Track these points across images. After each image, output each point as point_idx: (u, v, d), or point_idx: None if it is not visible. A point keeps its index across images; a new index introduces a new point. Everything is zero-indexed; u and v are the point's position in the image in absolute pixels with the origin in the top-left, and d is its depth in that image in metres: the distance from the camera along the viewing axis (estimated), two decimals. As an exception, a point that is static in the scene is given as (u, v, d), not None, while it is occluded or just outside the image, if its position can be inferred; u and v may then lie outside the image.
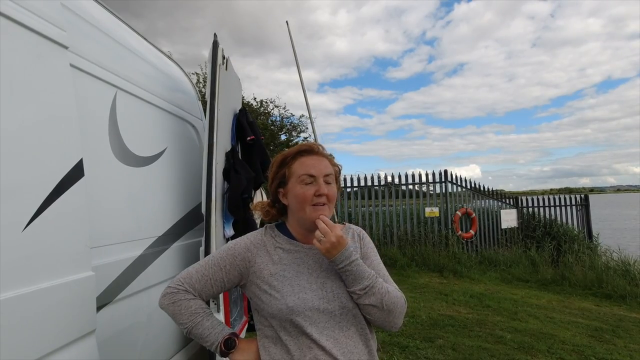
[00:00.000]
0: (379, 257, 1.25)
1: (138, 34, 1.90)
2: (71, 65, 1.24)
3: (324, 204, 1.10)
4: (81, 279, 1.16)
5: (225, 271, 1.11)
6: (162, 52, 2.16)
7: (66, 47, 1.20)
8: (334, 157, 1.20)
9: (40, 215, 1.03)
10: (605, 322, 4.55)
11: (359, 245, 1.22)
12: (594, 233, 8.90)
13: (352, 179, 9.02)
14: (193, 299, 1.10)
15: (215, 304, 1.80)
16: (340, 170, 1.21)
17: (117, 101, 1.53)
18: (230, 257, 1.11)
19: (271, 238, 1.15)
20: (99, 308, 1.26)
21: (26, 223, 1.00)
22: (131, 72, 1.66)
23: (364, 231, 1.28)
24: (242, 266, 1.11)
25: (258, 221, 2.18)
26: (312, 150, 1.16)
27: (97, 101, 1.43)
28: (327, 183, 1.12)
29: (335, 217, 4.26)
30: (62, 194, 1.11)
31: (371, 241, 1.27)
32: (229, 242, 1.15)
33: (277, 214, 1.21)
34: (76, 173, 1.17)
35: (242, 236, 1.18)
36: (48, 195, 1.07)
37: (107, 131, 1.46)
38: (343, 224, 1.28)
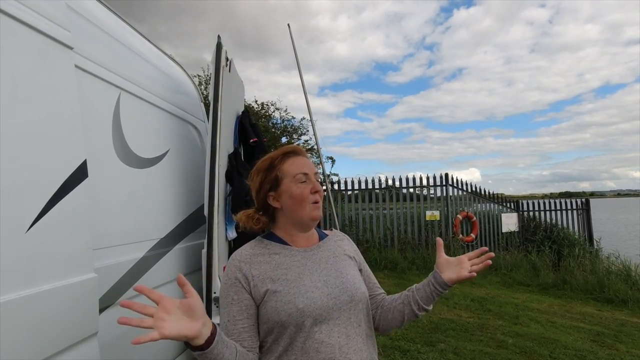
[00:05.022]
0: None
1: (142, 35, 1.90)
2: (76, 66, 1.24)
3: (319, 202, 1.11)
4: (84, 281, 1.15)
5: (237, 302, 1.04)
6: (165, 54, 2.16)
7: (71, 48, 1.20)
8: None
9: (43, 217, 1.03)
10: (607, 327, 4.53)
11: (354, 248, 1.25)
12: (596, 238, 8.87)
13: (352, 182, 9.02)
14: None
15: (217, 307, 1.79)
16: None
17: (121, 102, 1.53)
18: (230, 287, 1.06)
19: (263, 248, 1.11)
20: (101, 310, 1.25)
21: (30, 224, 0.99)
22: (135, 74, 1.66)
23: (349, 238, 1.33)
24: (245, 285, 1.05)
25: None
26: (297, 152, 1.17)
27: (101, 102, 1.43)
28: (317, 181, 1.13)
29: (337, 220, 4.25)
30: (65, 195, 1.10)
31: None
32: (223, 278, 1.10)
33: (267, 222, 1.18)
34: (80, 174, 1.17)
35: (230, 258, 1.12)
36: (52, 196, 1.06)
37: (111, 132, 1.46)
38: (331, 229, 1.30)
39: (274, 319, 1.01)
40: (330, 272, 1.10)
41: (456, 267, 1.11)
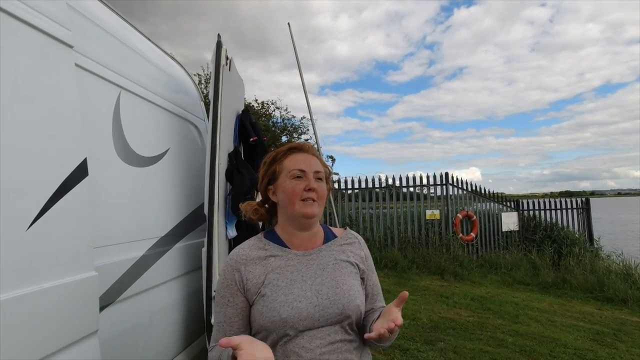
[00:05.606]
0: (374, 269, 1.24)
1: (142, 34, 1.90)
2: (76, 64, 1.24)
3: (313, 200, 1.08)
4: (84, 279, 1.15)
5: (233, 304, 1.05)
6: (166, 53, 2.16)
7: (71, 47, 1.20)
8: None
9: (44, 215, 1.03)
10: (607, 326, 4.53)
11: (364, 255, 1.19)
12: (595, 237, 8.88)
13: (353, 181, 9.02)
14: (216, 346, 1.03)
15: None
16: (330, 172, 1.20)
17: (121, 101, 1.53)
18: (227, 288, 1.07)
19: (259, 249, 1.11)
20: (101, 308, 1.26)
21: (30, 222, 0.99)
22: (135, 73, 1.66)
23: (363, 240, 1.26)
24: (240, 287, 1.06)
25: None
26: (302, 148, 1.16)
27: (101, 101, 1.43)
28: (317, 180, 1.10)
29: (337, 219, 4.25)
30: (66, 194, 1.11)
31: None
32: (219, 276, 1.12)
33: (267, 214, 1.19)
34: (80, 173, 1.17)
35: (227, 258, 1.13)
36: (52, 195, 1.06)
37: (111, 131, 1.46)
38: (344, 228, 1.26)
39: (258, 322, 1.02)
40: (324, 281, 1.06)
41: (385, 320, 0.98)
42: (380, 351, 3.58)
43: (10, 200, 0.94)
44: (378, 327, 0.97)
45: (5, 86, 0.96)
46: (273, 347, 1.01)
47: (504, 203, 9.02)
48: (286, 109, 14.15)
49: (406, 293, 0.99)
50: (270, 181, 1.14)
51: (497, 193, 9.09)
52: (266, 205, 1.19)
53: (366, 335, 1.00)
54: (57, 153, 1.10)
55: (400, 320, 0.95)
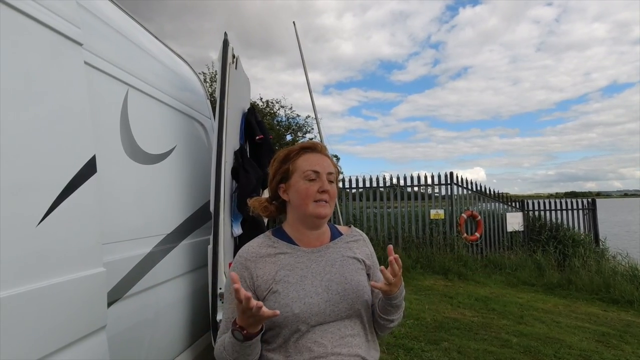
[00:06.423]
0: None
1: (150, 33, 1.91)
2: (85, 62, 1.25)
3: (326, 202, 1.10)
4: (93, 275, 1.16)
5: None
6: (172, 51, 2.17)
7: (81, 45, 1.21)
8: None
9: (54, 211, 1.04)
10: (613, 328, 4.50)
11: (369, 252, 1.22)
12: (601, 237, 8.81)
13: (357, 180, 9.01)
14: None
15: (222, 302, 1.80)
16: (339, 172, 1.21)
17: (129, 99, 1.54)
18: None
19: (268, 247, 1.12)
20: (109, 304, 1.27)
21: (40, 219, 1.00)
22: (143, 71, 1.67)
23: (367, 238, 1.29)
24: (249, 284, 1.08)
25: (266, 219, 2.18)
26: (315, 148, 1.16)
27: (110, 98, 1.44)
28: (330, 181, 1.12)
29: (341, 218, 4.25)
30: (75, 190, 1.12)
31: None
32: (228, 274, 1.13)
33: (276, 211, 1.20)
34: (89, 170, 1.18)
35: (236, 255, 1.14)
36: (62, 191, 1.07)
37: (119, 128, 1.47)
38: (349, 226, 1.28)
39: (271, 318, 1.01)
40: (333, 277, 1.08)
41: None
42: (384, 350, 3.59)
43: (20, 197, 0.95)
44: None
45: (16, 83, 0.97)
46: (285, 343, 1.03)
47: (509, 203, 8.97)
48: (291, 108, 14.17)
49: (390, 245, 1.05)
50: (282, 179, 1.15)
51: (502, 193, 9.05)
52: (274, 203, 1.20)
53: (372, 283, 1.04)
54: (67, 150, 1.11)
55: (396, 256, 1.02)
